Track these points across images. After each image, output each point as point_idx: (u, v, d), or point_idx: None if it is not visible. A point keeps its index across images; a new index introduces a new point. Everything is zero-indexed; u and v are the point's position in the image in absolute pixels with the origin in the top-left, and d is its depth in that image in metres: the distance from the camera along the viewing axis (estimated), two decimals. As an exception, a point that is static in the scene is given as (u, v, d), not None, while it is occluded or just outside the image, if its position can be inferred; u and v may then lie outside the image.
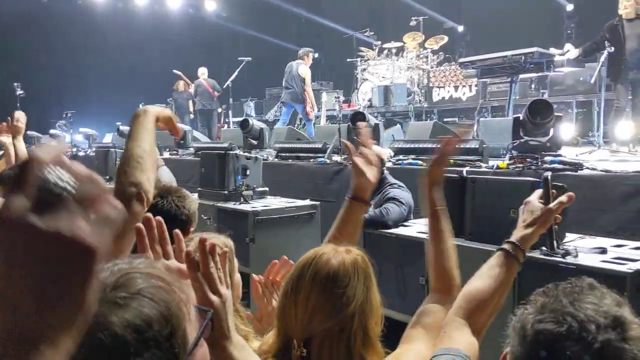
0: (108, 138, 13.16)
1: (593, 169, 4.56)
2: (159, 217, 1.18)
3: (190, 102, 13.40)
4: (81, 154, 11.06)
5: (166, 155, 9.56)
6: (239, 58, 12.35)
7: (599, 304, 1.01)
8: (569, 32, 11.60)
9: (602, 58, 7.15)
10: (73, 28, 15.85)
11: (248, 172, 5.53)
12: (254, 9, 16.83)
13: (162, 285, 0.81)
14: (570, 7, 11.62)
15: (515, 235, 1.60)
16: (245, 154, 5.95)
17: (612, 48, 7.44)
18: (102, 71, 16.09)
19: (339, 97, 8.26)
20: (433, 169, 1.86)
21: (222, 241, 1.93)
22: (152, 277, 0.82)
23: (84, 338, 0.72)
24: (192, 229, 2.32)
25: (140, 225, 1.16)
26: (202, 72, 12.78)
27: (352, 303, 1.43)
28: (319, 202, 5.45)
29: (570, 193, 1.62)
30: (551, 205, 1.59)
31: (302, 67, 10.16)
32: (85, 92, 15.55)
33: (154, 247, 1.18)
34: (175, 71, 13.23)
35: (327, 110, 11.97)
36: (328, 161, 6.80)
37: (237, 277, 1.93)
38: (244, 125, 8.13)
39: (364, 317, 1.44)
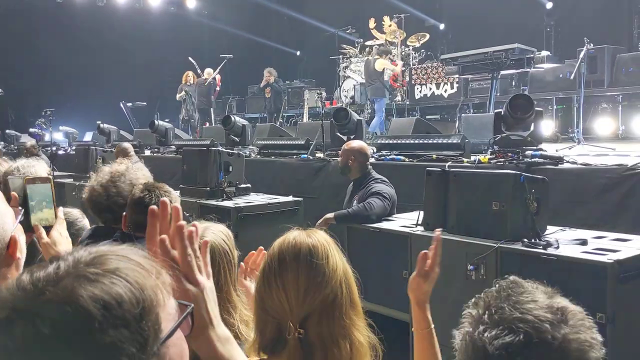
0: (89, 136, 13.02)
1: (573, 162, 4.61)
2: (176, 205, 1.12)
3: (210, 93, 13.09)
4: (61, 152, 10.91)
5: (147, 153, 9.48)
6: (221, 55, 12.29)
7: (537, 301, 1.05)
8: (548, 29, 11.73)
9: (582, 55, 7.23)
10: (53, 26, 15.63)
11: (230, 169, 5.49)
12: (235, 7, 16.75)
13: (138, 269, 0.79)
14: (549, 5, 11.74)
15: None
16: (228, 150, 5.91)
17: (592, 44, 7.53)
18: (82, 69, 15.89)
19: (321, 94, 8.25)
20: (416, 287, 1.77)
21: (220, 230, 1.93)
22: (130, 260, 0.80)
23: (53, 309, 0.71)
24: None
25: (154, 207, 1.10)
26: (209, 72, 12.66)
27: (337, 271, 1.49)
28: (302, 198, 5.44)
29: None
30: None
31: (380, 61, 10.51)
32: (65, 90, 15.34)
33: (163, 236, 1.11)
34: (190, 59, 12.88)
35: (309, 107, 11.96)
36: (311, 158, 6.80)
37: (242, 265, 1.99)
38: (226, 122, 8.08)
39: (348, 282, 1.51)
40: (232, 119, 8.07)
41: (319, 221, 4.35)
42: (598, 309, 2.71)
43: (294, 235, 1.54)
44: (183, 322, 0.85)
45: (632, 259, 2.93)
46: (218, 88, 13.02)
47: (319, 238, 1.53)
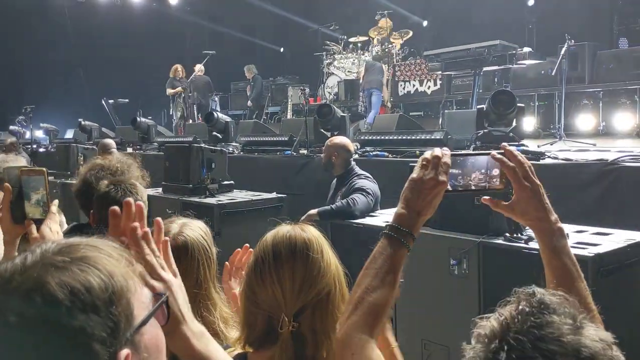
0: (70, 134, 12.88)
1: (554, 158, 4.65)
2: (140, 202, 1.11)
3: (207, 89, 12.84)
4: (41, 150, 10.77)
5: (129, 150, 9.39)
6: (204, 52, 12.20)
7: (562, 341, 0.90)
8: (530, 26, 11.81)
9: (562, 51, 7.29)
10: (32, 22, 15.42)
11: (213, 166, 5.46)
12: (218, 3, 16.65)
13: (106, 257, 0.79)
14: (531, 2, 11.81)
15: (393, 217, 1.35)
16: (210, 147, 5.88)
17: (572, 41, 7.60)
18: (63, 66, 15.72)
19: (304, 90, 8.24)
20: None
21: (198, 226, 1.92)
22: (98, 249, 0.80)
23: (21, 296, 0.72)
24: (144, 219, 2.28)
25: (116, 207, 1.09)
26: (200, 68, 12.45)
27: (331, 265, 1.50)
28: (285, 195, 5.43)
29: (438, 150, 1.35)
30: (415, 174, 1.33)
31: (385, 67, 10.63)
32: (46, 87, 15.17)
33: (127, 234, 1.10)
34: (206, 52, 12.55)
35: (293, 104, 11.93)
36: (294, 154, 6.79)
37: (227, 265, 1.98)
38: (209, 118, 8.04)
39: (339, 276, 1.53)
40: (215, 115, 8.03)
41: (302, 217, 4.34)
42: (579, 304, 2.74)
43: (288, 229, 1.53)
44: (157, 310, 0.85)
45: (612, 252, 2.96)
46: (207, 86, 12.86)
47: (313, 233, 1.54)
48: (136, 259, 0.93)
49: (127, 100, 14.82)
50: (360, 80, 11.07)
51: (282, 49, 16.58)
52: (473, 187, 1.39)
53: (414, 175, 1.33)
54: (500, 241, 3.25)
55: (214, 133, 8.04)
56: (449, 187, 1.35)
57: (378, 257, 1.29)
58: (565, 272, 1.34)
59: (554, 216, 1.35)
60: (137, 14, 17.22)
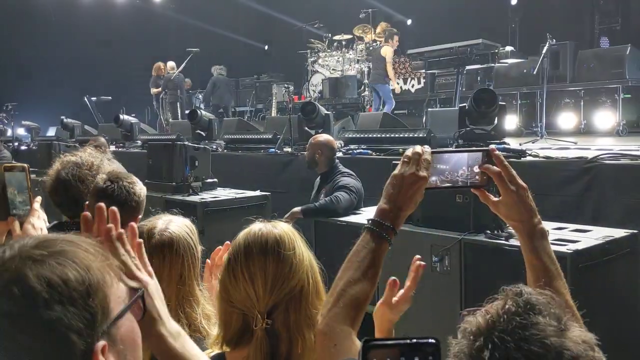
0: (52, 131, 12.75)
1: (535, 156, 4.70)
2: (113, 207, 1.11)
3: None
4: (23, 147, 10.65)
5: (112, 148, 9.32)
6: (187, 49, 12.13)
7: (546, 343, 0.90)
8: (513, 26, 11.91)
9: (544, 50, 7.37)
10: (14, 19, 15.22)
11: (196, 164, 5.45)
12: (202, 0, 16.57)
13: (83, 251, 0.81)
14: (514, 2, 11.91)
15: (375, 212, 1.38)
16: (194, 145, 5.86)
17: (554, 40, 7.68)
18: (45, 63, 15.52)
19: (288, 88, 8.24)
20: (380, 315, 1.64)
21: (184, 223, 1.93)
22: (75, 244, 0.82)
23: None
24: (139, 216, 2.27)
25: (87, 213, 1.10)
26: (172, 65, 12.31)
27: (304, 262, 1.50)
28: (269, 193, 5.43)
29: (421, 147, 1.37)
30: (396, 171, 1.35)
31: (385, 48, 10.17)
32: (28, 84, 14.97)
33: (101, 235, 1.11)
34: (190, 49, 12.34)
35: (277, 102, 11.91)
36: (279, 152, 6.79)
37: (208, 263, 1.98)
38: (192, 116, 8.01)
39: (314, 273, 1.52)
40: (199, 113, 8.00)
41: (286, 215, 4.35)
42: (558, 299, 2.78)
43: (259, 227, 1.53)
44: (134, 304, 0.86)
45: (591, 249, 3.01)
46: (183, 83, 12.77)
47: (285, 229, 1.54)
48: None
49: (110, 97, 14.69)
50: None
51: (266, 47, 16.54)
52: (460, 184, 1.41)
53: (396, 171, 1.35)
54: (481, 238, 3.29)
55: (198, 131, 8.01)
56: (433, 183, 1.38)
57: (360, 250, 1.32)
58: (545, 271, 1.37)
59: (537, 218, 1.39)
60: (121, 12, 17.08)
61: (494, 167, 1.38)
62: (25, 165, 1.66)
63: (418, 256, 1.67)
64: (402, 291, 1.64)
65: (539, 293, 0.99)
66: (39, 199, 1.67)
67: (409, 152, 1.36)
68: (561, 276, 1.39)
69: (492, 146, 1.43)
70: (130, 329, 0.86)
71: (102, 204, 1.11)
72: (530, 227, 1.38)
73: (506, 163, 1.39)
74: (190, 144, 5.86)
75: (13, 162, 1.75)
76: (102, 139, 6.91)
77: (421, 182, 1.33)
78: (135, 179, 2.32)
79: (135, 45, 16.33)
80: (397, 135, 6.08)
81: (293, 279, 1.47)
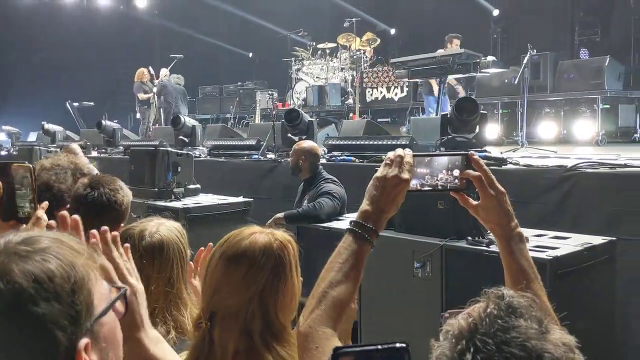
0: (33, 137, 12.60)
1: (516, 164, 4.76)
2: (75, 216, 1.10)
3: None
4: (3, 152, 10.53)
5: (94, 154, 9.25)
6: (171, 55, 12.10)
7: (526, 346, 0.91)
8: (495, 36, 12.07)
9: (525, 60, 7.47)
10: (-5, 23, 15.08)
11: (179, 169, 5.43)
12: (186, 7, 16.55)
13: (68, 248, 0.81)
14: (496, 12, 12.09)
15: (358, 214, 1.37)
16: (176, 150, 5.84)
17: (535, 50, 7.80)
18: (26, 68, 15.37)
19: (272, 95, 8.25)
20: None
21: (174, 226, 1.93)
22: (60, 241, 0.82)
23: None
24: (121, 224, 2.22)
25: (64, 212, 1.09)
26: (165, 73, 12.16)
27: (252, 287, 1.43)
28: (252, 199, 5.42)
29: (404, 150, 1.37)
30: (379, 173, 1.35)
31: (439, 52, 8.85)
32: (8, 89, 14.82)
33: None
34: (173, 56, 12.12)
35: (261, 109, 11.93)
36: (262, 158, 6.79)
37: (191, 264, 1.98)
38: (175, 122, 7.99)
39: (265, 304, 1.44)
40: (182, 119, 7.98)
41: (269, 221, 4.34)
42: (538, 304, 2.81)
43: (245, 231, 1.53)
44: (116, 302, 0.87)
45: (570, 255, 3.05)
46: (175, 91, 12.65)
47: (259, 245, 1.47)
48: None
49: (92, 103, 14.58)
50: None
51: (250, 54, 16.56)
52: (440, 187, 1.43)
53: (378, 173, 1.36)
54: (462, 244, 3.32)
55: (181, 137, 7.99)
56: (414, 187, 1.39)
57: (342, 252, 1.32)
58: (523, 273, 1.38)
59: (514, 222, 1.40)
60: (104, 17, 16.98)
61: (474, 171, 1.40)
62: (30, 165, 1.55)
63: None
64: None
65: (521, 296, 1.00)
66: (45, 204, 1.54)
67: (391, 154, 1.37)
68: (538, 279, 1.41)
69: (472, 152, 1.44)
70: (113, 327, 0.86)
71: (65, 212, 1.10)
72: (508, 230, 1.40)
73: (485, 167, 1.41)
74: (173, 150, 5.84)
75: (19, 161, 1.65)
76: (74, 145, 6.80)
77: (403, 184, 1.35)
78: (120, 184, 2.25)
79: (118, 51, 16.25)
80: (380, 143, 6.11)
81: (230, 298, 1.43)
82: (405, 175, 1.35)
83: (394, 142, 5.98)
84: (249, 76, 15.26)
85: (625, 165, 4.24)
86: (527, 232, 3.45)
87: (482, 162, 1.41)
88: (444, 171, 1.43)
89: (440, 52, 8.22)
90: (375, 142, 6.17)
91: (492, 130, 8.17)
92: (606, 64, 8.55)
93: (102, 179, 2.24)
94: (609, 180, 4.19)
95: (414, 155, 1.39)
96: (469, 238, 3.32)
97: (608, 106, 8.82)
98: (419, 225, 3.54)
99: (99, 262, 0.87)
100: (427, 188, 1.43)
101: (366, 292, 3.58)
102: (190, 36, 16.14)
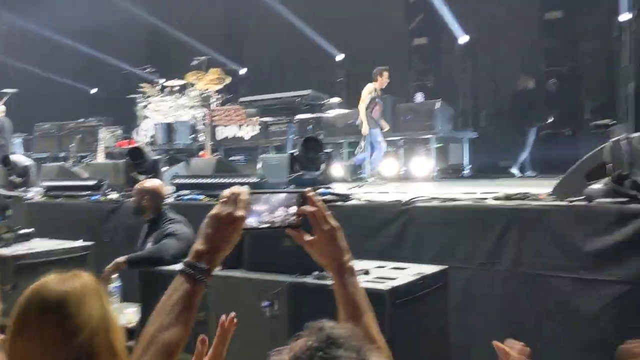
0: None
1: (358, 199, 5.00)
2: None
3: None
4: None
5: None
6: (3, 90, 11.17)
7: None
8: (340, 79, 12.74)
9: (366, 101, 7.95)
10: None
11: (8, 213, 5.01)
12: (26, 40, 15.48)
13: None
14: (340, 57, 12.78)
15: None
16: (5, 192, 5.36)
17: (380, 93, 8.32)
18: None
19: (115, 132, 7.92)
20: None
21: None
22: None
23: None
24: None
25: None
26: (3, 109, 10.98)
27: (90, 324, 1.38)
28: (92, 243, 5.11)
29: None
30: (214, 211, 1.35)
31: (367, 86, 8.76)
32: None
33: None
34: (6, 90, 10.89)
35: (106, 147, 11.36)
36: (103, 199, 6.47)
37: None
38: (5, 162, 7.35)
39: (107, 335, 1.41)
40: (12, 158, 7.39)
41: (109, 266, 4.10)
42: (380, 335, 2.93)
43: (49, 280, 1.43)
44: None
45: (406, 285, 3.23)
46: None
47: (78, 285, 1.42)
48: None
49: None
50: None
51: (93, 90, 15.82)
52: (277, 225, 1.44)
53: (213, 211, 1.35)
54: (309, 280, 3.37)
55: (12, 177, 7.37)
56: (251, 225, 1.39)
57: (173, 294, 1.28)
58: (355, 306, 1.44)
59: (347, 256, 1.46)
60: None
61: (309, 207, 1.44)
62: None
63: (223, 316, 1.63)
64: (211, 350, 1.58)
65: (341, 327, 1.04)
66: None
67: (227, 192, 1.37)
68: (370, 310, 1.48)
69: (308, 188, 1.49)
70: None
71: None
72: (341, 264, 1.46)
73: (320, 204, 1.45)
74: (1, 191, 5.36)
75: None
76: None
77: (238, 222, 1.34)
78: None
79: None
80: (230, 181, 6.08)
81: (69, 345, 1.35)
82: (240, 213, 1.35)
83: (244, 180, 5.98)
84: (92, 113, 14.51)
85: (454, 199, 4.63)
86: (369, 264, 3.64)
87: (317, 198, 1.45)
88: (281, 208, 1.46)
89: (289, 93, 8.48)
90: (225, 181, 6.13)
91: (339, 167, 8.54)
92: (437, 107, 9.38)
93: None
94: (439, 213, 4.55)
95: (250, 193, 1.40)
96: (316, 273, 3.39)
97: (441, 145, 9.65)
98: (267, 264, 3.55)
99: None
100: (264, 225, 1.44)
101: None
102: (26, 70, 15.07)
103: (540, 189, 4.61)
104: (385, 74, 8.79)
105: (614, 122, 5.58)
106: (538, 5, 10.96)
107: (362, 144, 8.84)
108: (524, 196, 4.40)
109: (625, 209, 3.73)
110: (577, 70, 10.57)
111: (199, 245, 1.32)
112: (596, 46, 9.85)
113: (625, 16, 6.44)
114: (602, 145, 4.05)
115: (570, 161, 4.52)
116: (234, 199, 1.35)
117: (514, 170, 9.12)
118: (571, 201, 4.00)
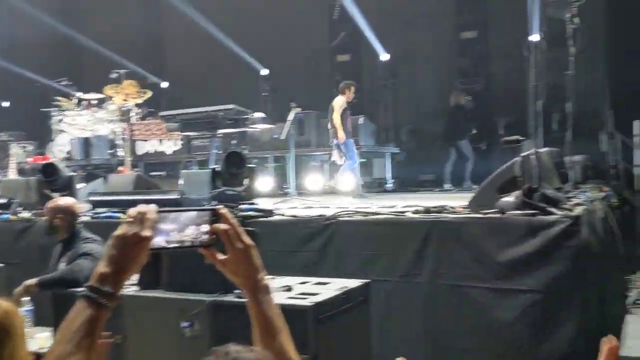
0: None
1: (282, 214, 4.98)
2: None
3: None
4: None
5: None
6: None
7: None
8: (264, 94, 12.72)
9: (291, 116, 7.98)
10: None
11: None
12: None
13: None
14: (264, 72, 12.78)
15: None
16: None
17: (300, 108, 8.38)
18: None
19: (25, 148, 7.54)
20: None
21: None
22: None
23: None
24: None
25: None
26: None
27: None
28: (2, 265, 4.81)
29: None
30: (118, 231, 1.29)
31: (337, 99, 8.85)
32: None
33: None
34: None
35: (17, 162, 10.78)
36: (13, 218, 6.13)
37: None
38: None
39: None
40: None
41: (18, 289, 3.87)
42: (303, 351, 2.91)
43: None
44: None
45: (329, 300, 3.24)
46: None
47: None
48: None
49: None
50: None
51: (5, 103, 15.01)
52: (187, 244, 1.40)
53: (117, 232, 1.29)
54: (230, 298, 3.31)
55: None
56: (159, 244, 1.34)
57: (74, 320, 1.21)
58: (270, 325, 1.42)
59: (261, 274, 1.43)
60: None
61: (222, 225, 1.41)
62: None
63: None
64: None
65: (248, 349, 1.03)
66: None
67: (133, 211, 1.32)
68: (286, 329, 1.46)
69: (220, 206, 1.46)
70: None
71: None
72: (255, 282, 1.43)
73: (233, 221, 1.42)
74: None
75: None
76: None
77: (144, 242, 1.29)
78: None
79: None
80: (149, 198, 5.91)
81: None
82: (146, 233, 1.30)
83: (164, 197, 5.84)
84: (3, 127, 13.74)
85: (376, 213, 4.71)
86: (293, 280, 3.63)
87: (230, 215, 1.43)
88: (192, 227, 1.41)
89: (212, 107, 8.38)
90: (145, 197, 5.95)
91: (265, 182, 8.50)
92: (360, 122, 9.54)
93: None
94: (362, 228, 4.62)
95: (159, 211, 1.35)
96: (237, 291, 3.33)
97: (365, 160, 9.80)
98: (186, 283, 3.46)
99: None
100: (173, 245, 1.40)
101: (136, 357, 3.37)
102: None
103: (458, 202, 4.77)
104: (352, 89, 9.08)
105: (524, 138, 5.85)
106: (454, 25, 11.45)
107: (334, 152, 8.92)
108: (442, 209, 4.54)
109: (534, 220, 3.92)
110: (491, 87, 11.10)
111: (102, 267, 1.26)
112: (508, 65, 10.34)
113: (535, 37, 6.84)
114: (513, 160, 4.25)
115: (486, 175, 4.72)
116: (140, 218, 1.29)
117: (447, 186, 9.45)
118: (485, 214, 4.16)
